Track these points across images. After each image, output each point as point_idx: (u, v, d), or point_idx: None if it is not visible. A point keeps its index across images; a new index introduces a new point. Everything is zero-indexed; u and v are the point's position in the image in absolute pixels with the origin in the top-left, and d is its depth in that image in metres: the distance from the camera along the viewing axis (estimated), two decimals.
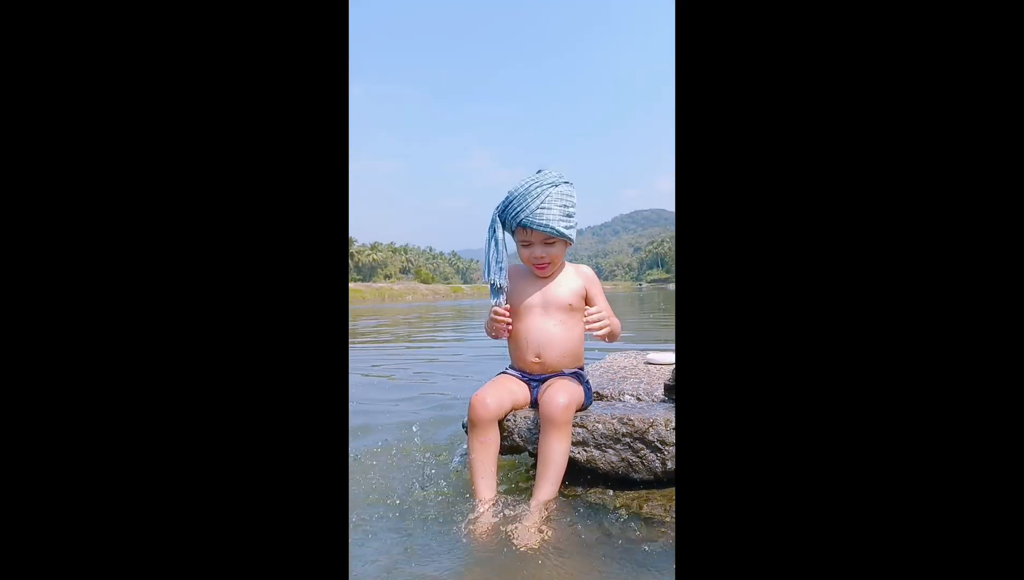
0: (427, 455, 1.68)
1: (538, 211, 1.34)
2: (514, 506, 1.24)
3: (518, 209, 1.35)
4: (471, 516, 1.19)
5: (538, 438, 1.30)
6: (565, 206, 1.36)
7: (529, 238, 1.39)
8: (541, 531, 1.11)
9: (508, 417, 1.37)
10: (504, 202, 1.38)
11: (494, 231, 1.39)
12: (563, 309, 1.42)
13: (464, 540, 1.12)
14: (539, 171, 1.39)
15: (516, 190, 1.36)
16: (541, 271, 1.43)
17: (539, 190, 1.34)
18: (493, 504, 1.24)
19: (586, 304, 1.44)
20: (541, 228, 1.35)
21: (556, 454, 1.23)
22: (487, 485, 1.27)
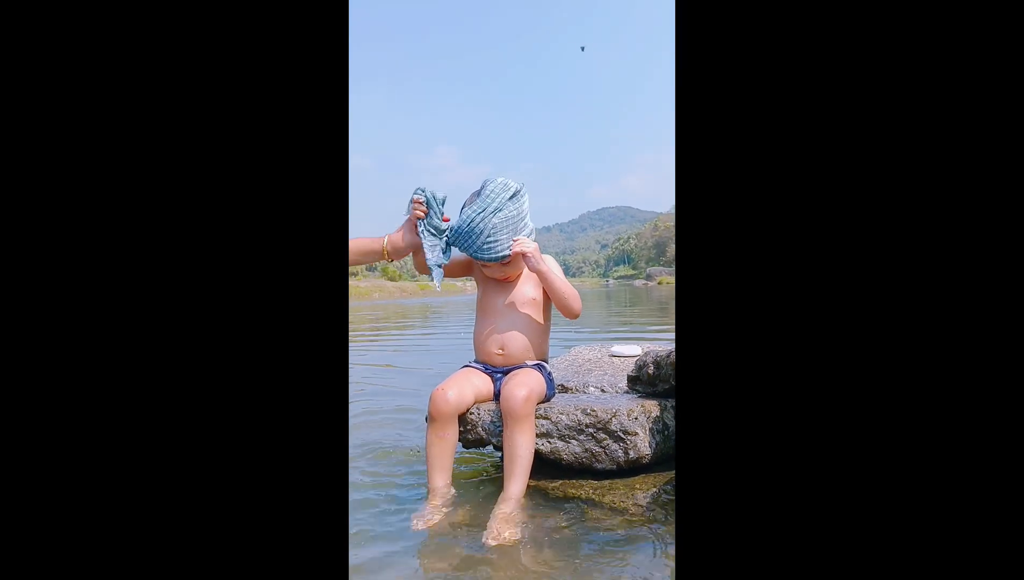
0: (389, 447, 1.66)
1: (486, 246, 1.30)
2: (475, 495, 1.23)
3: (466, 245, 1.31)
4: (427, 507, 1.19)
5: (501, 431, 1.30)
6: (515, 225, 1.32)
7: (485, 263, 1.37)
8: (513, 528, 1.09)
9: (471, 410, 1.36)
10: (453, 235, 1.32)
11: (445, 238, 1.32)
12: (527, 303, 1.42)
13: (419, 531, 1.10)
14: (483, 185, 1.32)
15: (461, 226, 1.29)
16: (506, 281, 1.43)
17: (484, 224, 1.28)
18: (447, 495, 1.23)
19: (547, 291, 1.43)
20: (494, 260, 1.33)
21: (521, 448, 1.22)
22: (442, 479, 1.27)
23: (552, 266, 1.42)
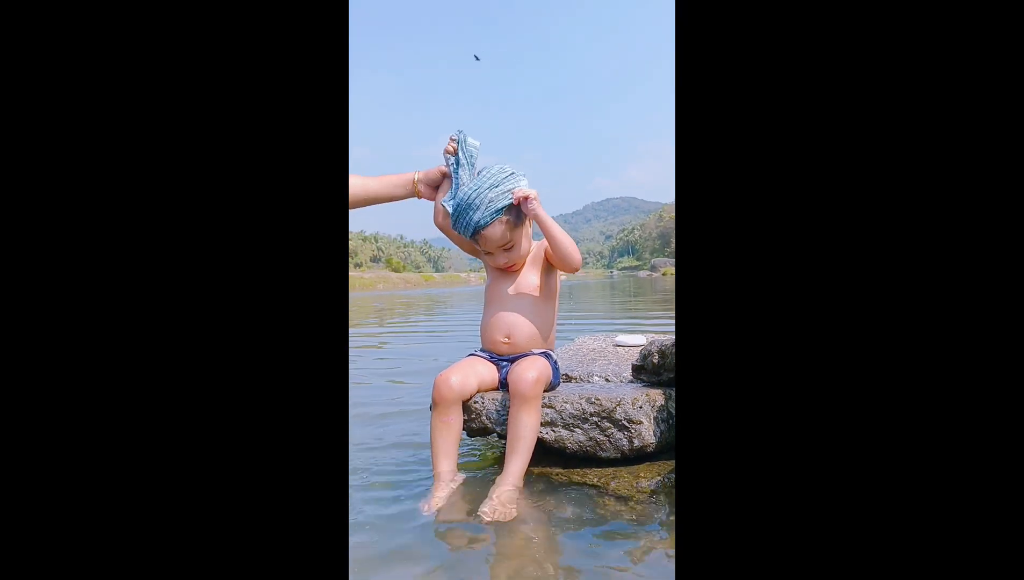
0: (393, 434, 1.67)
1: (483, 219, 1.30)
2: (481, 482, 1.24)
3: (465, 223, 1.31)
4: (432, 493, 1.20)
5: (506, 420, 1.30)
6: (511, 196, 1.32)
7: (487, 246, 1.36)
8: (510, 506, 1.11)
9: (476, 398, 1.37)
10: (452, 216, 1.33)
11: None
12: (533, 290, 1.42)
13: (426, 516, 1.11)
14: (479, 173, 1.34)
15: (460, 204, 1.31)
16: (511, 270, 1.43)
17: (479, 199, 1.29)
18: (452, 481, 1.24)
19: (547, 260, 1.44)
20: (493, 218, 1.30)
21: (526, 429, 1.23)
22: (447, 464, 1.27)
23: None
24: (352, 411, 1.99)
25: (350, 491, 1.27)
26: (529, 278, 1.43)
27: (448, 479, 1.24)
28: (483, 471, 1.37)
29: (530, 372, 1.25)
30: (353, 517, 1.12)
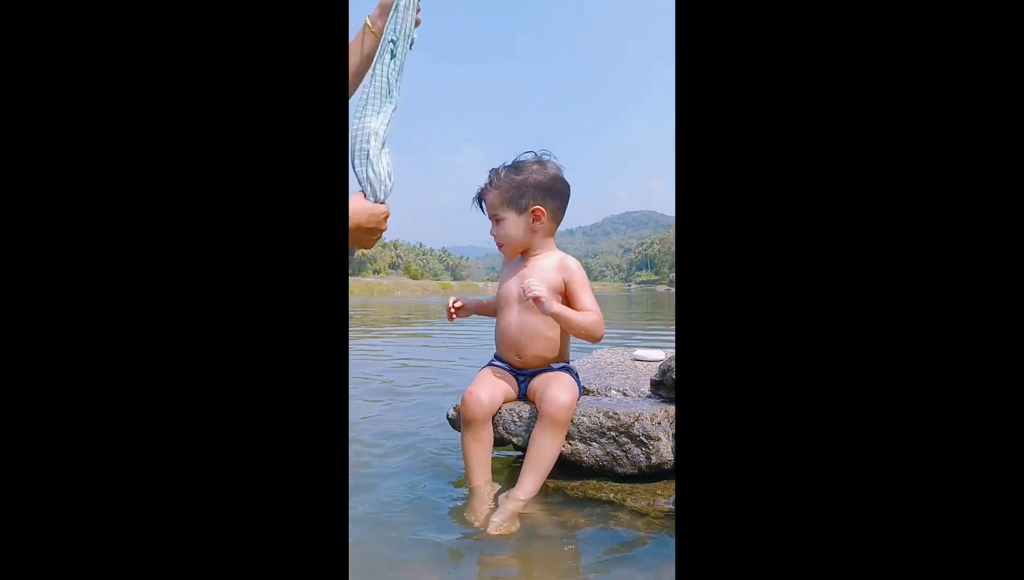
0: (419, 444, 1.67)
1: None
2: (503, 497, 1.25)
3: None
4: (471, 506, 1.20)
5: (523, 431, 1.30)
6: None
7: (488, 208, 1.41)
8: (519, 522, 1.10)
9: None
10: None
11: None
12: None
13: (461, 530, 1.12)
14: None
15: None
16: (500, 250, 1.44)
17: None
18: (489, 493, 1.25)
19: (566, 300, 1.35)
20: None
21: (548, 451, 1.22)
22: (482, 477, 1.28)
23: (575, 272, 1.36)
24: (356, 408, 2.00)
25: (351, 491, 1.28)
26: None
27: (485, 491, 1.25)
28: (506, 481, 1.37)
29: (563, 395, 1.24)
30: (355, 520, 1.13)
